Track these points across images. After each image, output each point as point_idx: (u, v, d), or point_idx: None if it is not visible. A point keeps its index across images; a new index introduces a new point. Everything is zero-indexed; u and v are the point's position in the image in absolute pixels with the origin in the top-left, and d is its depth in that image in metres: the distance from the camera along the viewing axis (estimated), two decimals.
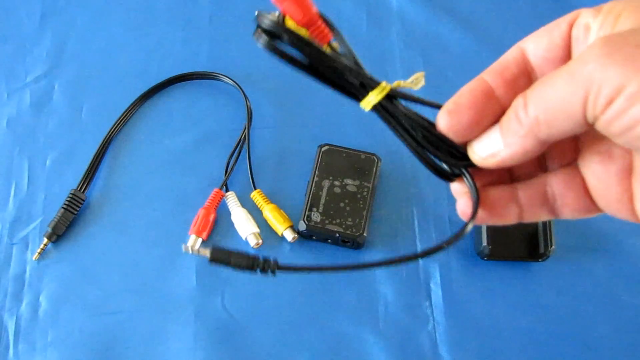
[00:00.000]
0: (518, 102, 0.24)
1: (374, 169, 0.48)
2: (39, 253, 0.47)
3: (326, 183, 0.48)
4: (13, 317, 0.46)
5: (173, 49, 0.57)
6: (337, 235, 0.46)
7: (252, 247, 0.47)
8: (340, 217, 0.46)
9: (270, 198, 0.49)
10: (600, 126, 0.21)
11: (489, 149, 0.25)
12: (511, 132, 0.24)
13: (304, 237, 0.48)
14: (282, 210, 0.48)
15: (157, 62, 0.56)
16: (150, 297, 0.46)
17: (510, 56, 0.26)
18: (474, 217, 0.26)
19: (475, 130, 0.26)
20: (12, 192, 0.51)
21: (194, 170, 0.51)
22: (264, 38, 0.24)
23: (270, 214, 0.48)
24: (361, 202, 0.47)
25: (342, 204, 0.47)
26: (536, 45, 0.26)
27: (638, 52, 0.20)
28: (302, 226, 0.46)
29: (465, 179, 0.27)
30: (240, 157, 0.51)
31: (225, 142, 0.52)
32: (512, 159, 0.25)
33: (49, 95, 0.55)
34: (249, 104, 0.52)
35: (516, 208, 0.27)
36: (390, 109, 0.26)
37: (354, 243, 0.47)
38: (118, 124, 0.52)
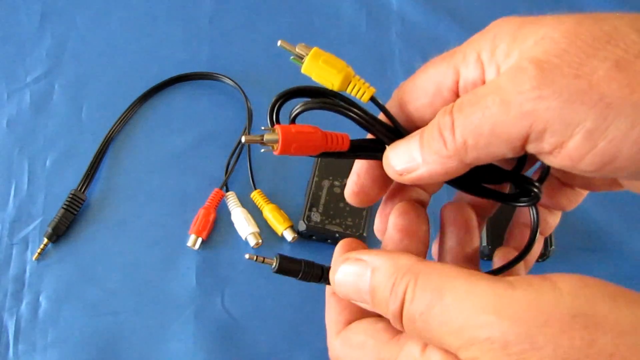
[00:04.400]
0: (444, 120, 0.22)
1: None
2: (39, 253, 0.47)
3: (326, 183, 0.48)
4: (13, 317, 0.46)
5: (173, 49, 0.57)
6: (337, 235, 0.46)
7: (252, 247, 0.47)
8: (340, 217, 0.46)
9: (270, 198, 0.49)
10: (554, 163, 0.20)
11: (406, 163, 0.24)
12: (433, 150, 0.22)
13: (303, 237, 0.48)
14: (282, 210, 0.48)
15: (157, 62, 0.56)
16: (150, 297, 0.46)
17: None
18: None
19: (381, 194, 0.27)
20: (12, 192, 0.51)
21: (194, 170, 0.51)
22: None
23: (270, 214, 0.48)
24: None
25: (342, 204, 0.47)
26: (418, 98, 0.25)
27: (578, 82, 0.19)
28: (302, 226, 0.46)
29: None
30: (240, 157, 0.51)
31: (225, 142, 0.52)
32: (430, 178, 0.23)
33: (49, 95, 0.55)
34: (249, 104, 0.52)
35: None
36: None
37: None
38: (118, 124, 0.52)
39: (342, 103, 0.26)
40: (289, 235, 0.47)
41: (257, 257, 0.27)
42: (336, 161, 0.48)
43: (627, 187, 0.26)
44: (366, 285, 0.22)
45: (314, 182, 0.48)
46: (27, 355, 0.45)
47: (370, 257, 0.23)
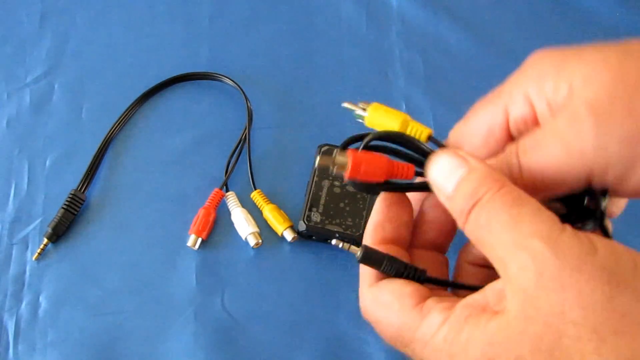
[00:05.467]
0: (512, 162, 0.25)
1: None
2: (38, 253, 0.47)
3: (326, 183, 0.48)
4: (13, 318, 0.46)
5: (173, 49, 0.57)
6: (337, 235, 0.46)
7: (252, 247, 0.47)
8: (340, 217, 0.46)
9: (270, 198, 0.49)
10: (619, 192, 0.24)
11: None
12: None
13: (303, 237, 0.48)
14: (282, 210, 0.48)
15: (157, 62, 0.56)
16: (150, 297, 0.46)
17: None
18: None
19: None
20: (12, 192, 0.51)
21: (194, 170, 0.51)
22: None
23: (270, 214, 0.48)
24: (361, 202, 0.47)
25: (342, 204, 0.47)
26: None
27: (631, 121, 0.22)
28: (302, 226, 0.46)
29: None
30: (240, 157, 0.51)
31: (225, 142, 0.52)
32: None
33: (49, 95, 0.55)
34: (249, 104, 0.52)
35: None
36: None
37: (354, 243, 0.46)
38: (118, 124, 0.52)
39: (409, 137, 0.29)
40: (288, 235, 0.47)
41: (343, 243, 0.30)
42: None
43: None
44: (457, 177, 0.25)
45: (314, 182, 0.48)
46: (27, 355, 0.45)
47: (472, 160, 0.25)
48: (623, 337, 0.19)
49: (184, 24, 0.58)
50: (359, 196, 0.47)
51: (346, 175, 0.27)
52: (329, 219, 0.46)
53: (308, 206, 0.47)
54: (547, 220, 0.22)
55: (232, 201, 0.49)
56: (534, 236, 0.21)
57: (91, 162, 0.50)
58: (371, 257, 0.27)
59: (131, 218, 0.49)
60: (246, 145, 0.51)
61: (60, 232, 0.48)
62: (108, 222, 0.49)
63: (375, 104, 0.31)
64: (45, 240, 0.47)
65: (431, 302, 0.25)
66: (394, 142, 0.28)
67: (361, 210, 0.46)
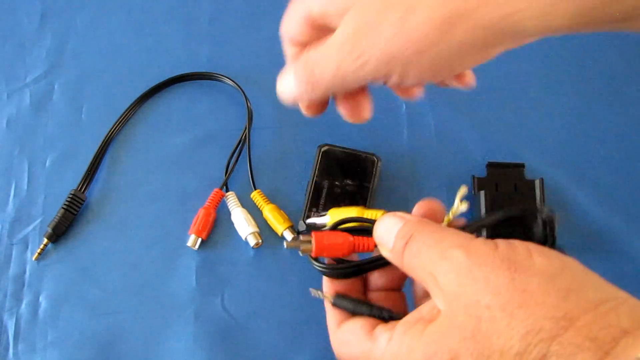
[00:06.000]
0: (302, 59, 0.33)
1: (374, 169, 0.48)
2: (38, 253, 0.47)
3: (326, 183, 0.48)
4: (13, 317, 0.46)
5: (173, 49, 0.57)
6: None
7: (252, 247, 0.47)
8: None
9: (270, 198, 0.49)
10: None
11: (290, 94, 0.36)
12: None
13: None
14: (282, 210, 0.48)
15: (157, 62, 0.56)
16: (150, 297, 0.46)
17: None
18: None
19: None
20: (12, 192, 0.51)
21: (194, 171, 0.51)
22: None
23: (270, 214, 0.48)
24: (361, 202, 0.47)
25: (342, 205, 0.47)
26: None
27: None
28: (302, 226, 0.46)
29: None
30: (240, 157, 0.51)
31: (225, 142, 0.52)
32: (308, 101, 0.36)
33: (49, 95, 0.55)
34: (249, 104, 0.52)
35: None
36: None
37: None
38: (118, 124, 0.52)
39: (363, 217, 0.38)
40: (288, 235, 0.47)
41: (316, 291, 0.33)
42: (336, 162, 0.48)
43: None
44: (395, 231, 0.30)
45: (314, 182, 0.48)
46: (26, 355, 0.45)
47: (407, 216, 0.31)
48: (527, 309, 0.23)
49: (184, 24, 0.58)
50: (359, 196, 0.47)
51: (312, 254, 0.32)
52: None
53: (308, 206, 0.47)
54: (462, 234, 0.28)
55: (232, 201, 0.49)
56: (452, 247, 0.26)
57: (91, 162, 0.51)
58: (343, 301, 0.32)
59: (131, 218, 0.49)
60: (246, 145, 0.51)
61: (60, 232, 0.48)
62: (108, 222, 0.49)
63: (332, 209, 0.41)
64: (45, 240, 0.48)
65: (379, 329, 0.29)
66: (354, 221, 0.34)
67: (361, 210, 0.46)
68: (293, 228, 0.47)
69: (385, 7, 0.27)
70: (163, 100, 0.54)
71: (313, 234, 0.32)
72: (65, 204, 0.48)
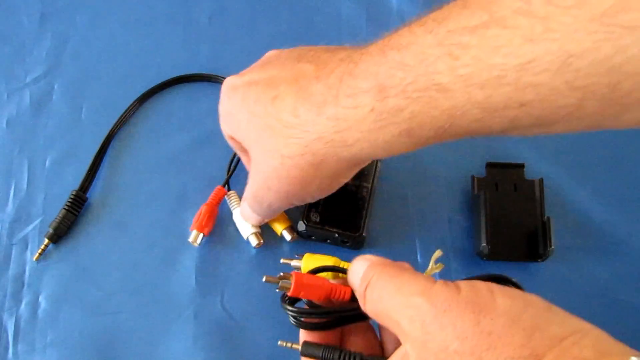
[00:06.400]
0: None
1: (374, 169, 0.48)
2: (39, 254, 0.47)
3: None
4: (12, 318, 0.46)
5: (173, 49, 0.57)
6: (337, 235, 0.46)
7: (254, 247, 0.47)
8: (339, 217, 0.46)
9: None
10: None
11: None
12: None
13: (303, 237, 0.48)
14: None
15: (157, 62, 0.56)
16: (150, 297, 0.46)
17: None
18: None
19: None
20: (12, 192, 0.51)
21: (194, 170, 0.51)
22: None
23: None
24: (360, 202, 0.47)
25: (341, 205, 0.47)
26: None
27: None
28: (301, 226, 0.46)
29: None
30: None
31: (225, 142, 0.51)
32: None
33: (49, 95, 0.55)
34: None
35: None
36: None
37: (354, 243, 0.47)
38: (118, 124, 0.52)
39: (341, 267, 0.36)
40: (288, 235, 0.47)
41: (286, 343, 0.34)
42: None
43: None
44: (361, 273, 0.31)
45: None
46: (26, 355, 0.45)
47: (373, 257, 0.31)
48: (494, 350, 0.24)
49: (183, 24, 0.58)
50: (358, 196, 0.47)
51: (289, 293, 0.32)
52: (328, 220, 0.46)
53: (308, 206, 0.47)
54: (422, 279, 0.28)
55: (233, 201, 0.49)
56: (413, 295, 0.27)
57: (91, 163, 0.50)
58: (311, 349, 0.32)
59: (131, 218, 0.49)
60: None
61: (61, 233, 0.48)
62: (108, 222, 0.49)
63: (307, 254, 0.42)
64: (46, 240, 0.47)
65: None
66: (329, 270, 0.35)
67: (360, 210, 0.46)
68: (292, 228, 0.47)
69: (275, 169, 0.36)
70: (163, 100, 0.55)
71: (293, 273, 0.33)
72: (67, 205, 0.48)
